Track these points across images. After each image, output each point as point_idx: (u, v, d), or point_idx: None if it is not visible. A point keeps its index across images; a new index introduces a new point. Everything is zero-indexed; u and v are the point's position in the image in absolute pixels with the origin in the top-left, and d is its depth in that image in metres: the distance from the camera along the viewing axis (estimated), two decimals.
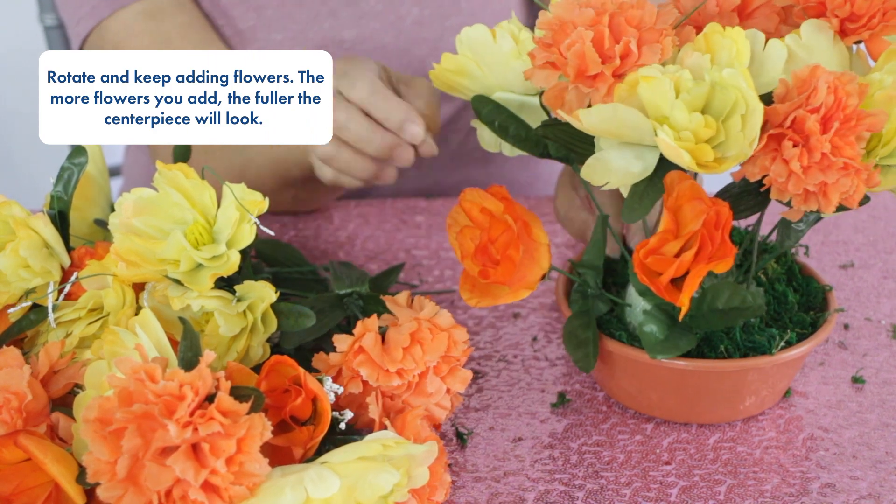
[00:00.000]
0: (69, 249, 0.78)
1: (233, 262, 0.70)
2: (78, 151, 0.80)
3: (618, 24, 0.68)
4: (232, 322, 0.71)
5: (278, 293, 0.73)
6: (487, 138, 0.83)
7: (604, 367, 0.83)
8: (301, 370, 0.67)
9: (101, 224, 0.85)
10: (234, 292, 0.73)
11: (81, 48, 1.14)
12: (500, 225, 0.75)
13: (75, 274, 0.75)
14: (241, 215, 0.71)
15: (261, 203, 0.71)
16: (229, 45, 1.16)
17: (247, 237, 0.71)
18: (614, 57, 0.67)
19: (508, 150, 0.82)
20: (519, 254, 0.74)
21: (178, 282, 0.72)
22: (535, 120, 0.80)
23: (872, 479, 0.77)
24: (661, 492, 0.76)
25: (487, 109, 0.80)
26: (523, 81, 0.77)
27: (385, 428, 0.67)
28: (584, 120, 0.67)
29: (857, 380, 0.88)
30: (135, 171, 1.38)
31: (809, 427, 0.82)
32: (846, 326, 0.95)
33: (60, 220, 0.78)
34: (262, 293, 0.73)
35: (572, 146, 0.74)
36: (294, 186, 1.07)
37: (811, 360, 0.90)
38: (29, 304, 0.75)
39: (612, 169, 0.70)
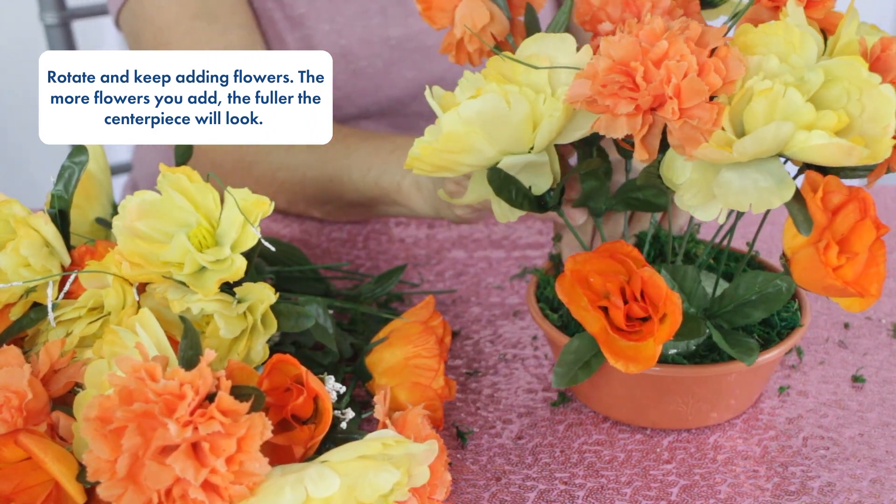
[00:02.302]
0: (70, 248, 0.78)
1: (238, 267, 0.70)
2: (79, 150, 0.79)
3: (691, 49, 0.64)
4: (232, 324, 0.71)
5: (278, 295, 0.73)
6: (499, 211, 0.76)
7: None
8: (303, 369, 0.67)
9: (102, 223, 0.85)
10: (233, 294, 0.73)
11: (118, 15, 1.14)
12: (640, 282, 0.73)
13: (74, 272, 0.75)
14: (244, 218, 0.71)
15: (265, 206, 0.71)
16: (276, 29, 1.18)
17: (250, 240, 0.71)
18: (714, 80, 0.64)
19: (509, 213, 0.77)
20: (674, 302, 0.71)
21: (181, 283, 0.72)
22: (536, 176, 0.75)
23: (872, 478, 0.77)
24: (661, 491, 0.76)
25: (501, 182, 0.73)
26: (540, 141, 0.72)
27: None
28: (738, 149, 0.63)
29: (857, 379, 0.88)
30: (142, 169, 1.38)
31: (809, 426, 0.82)
32: (846, 325, 0.95)
33: (61, 218, 0.78)
34: (262, 295, 0.72)
35: (661, 185, 0.71)
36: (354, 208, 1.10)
37: (811, 360, 0.90)
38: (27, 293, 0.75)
39: (740, 189, 0.66)
